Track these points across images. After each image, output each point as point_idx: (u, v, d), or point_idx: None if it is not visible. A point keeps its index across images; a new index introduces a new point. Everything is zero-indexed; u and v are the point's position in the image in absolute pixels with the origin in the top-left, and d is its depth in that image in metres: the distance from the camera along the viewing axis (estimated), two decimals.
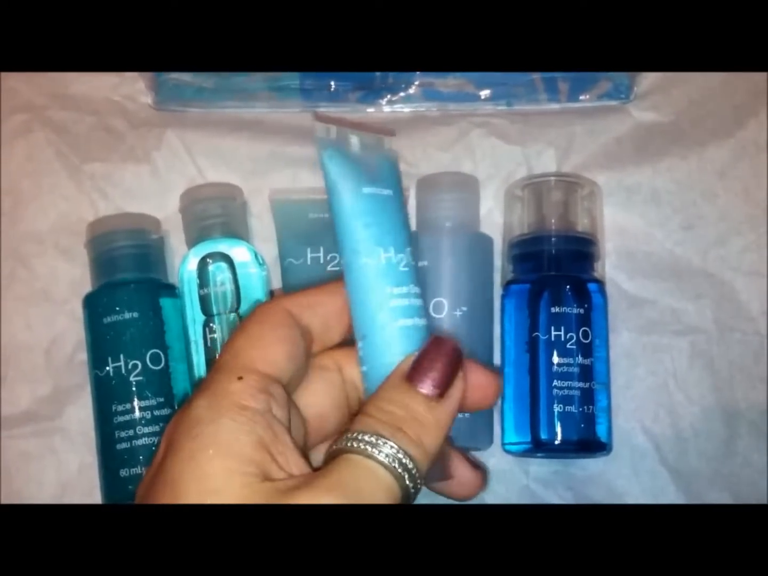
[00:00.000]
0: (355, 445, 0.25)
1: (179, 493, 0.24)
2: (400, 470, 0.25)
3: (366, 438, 0.25)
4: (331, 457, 0.26)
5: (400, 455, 0.25)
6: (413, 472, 0.26)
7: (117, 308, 0.39)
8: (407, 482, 0.25)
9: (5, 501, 0.41)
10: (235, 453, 0.25)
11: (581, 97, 0.46)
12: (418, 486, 0.26)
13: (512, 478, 0.42)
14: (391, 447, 0.25)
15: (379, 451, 0.25)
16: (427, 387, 0.27)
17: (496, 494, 0.42)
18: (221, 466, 0.24)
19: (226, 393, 0.26)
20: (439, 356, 0.28)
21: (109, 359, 0.39)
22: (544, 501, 0.41)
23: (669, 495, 0.41)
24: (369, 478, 0.25)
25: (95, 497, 0.40)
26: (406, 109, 0.46)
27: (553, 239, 0.40)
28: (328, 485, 0.25)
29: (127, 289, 0.40)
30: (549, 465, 0.42)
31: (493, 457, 0.42)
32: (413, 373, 0.27)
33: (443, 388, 0.27)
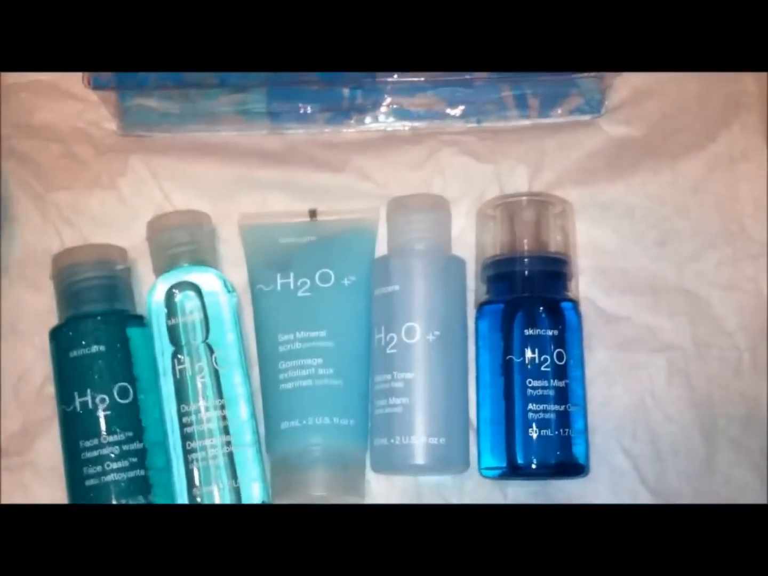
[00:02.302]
0: None
1: None
2: None
3: None
4: None
5: None
6: None
7: (83, 342, 0.39)
8: None
9: None
10: None
11: (552, 113, 0.45)
12: None
13: (491, 500, 0.41)
14: None
15: None
16: None
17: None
18: None
19: None
20: None
21: (76, 394, 0.38)
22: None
23: None
24: None
25: None
26: (375, 128, 0.45)
27: (525, 260, 0.39)
28: None
29: (93, 322, 0.39)
30: (528, 486, 0.41)
31: (470, 480, 0.41)
32: None
33: None
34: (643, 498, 0.41)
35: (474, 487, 0.41)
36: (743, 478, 0.41)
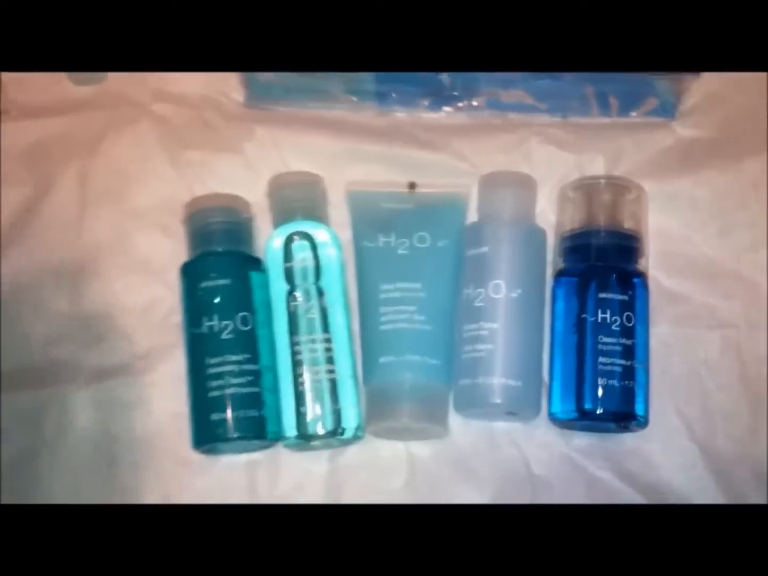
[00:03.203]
0: None
1: None
2: None
3: None
4: None
5: None
6: None
7: (212, 274, 0.44)
8: None
9: (106, 440, 0.46)
10: None
11: (630, 113, 0.51)
12: None
13: (555, 448, 0.46)
14: None
15: None
16: None
17: (540, 462, 0.46)
18: None
19: None
20: None
21: (204, 319, 0.44)
22: (583, 469, 0.45)
23: (698, 470, 0.45)
24: None
25: (183, 440, 0.45)
26: (471, 116, 0.51)
27: (602, 233, 0.45)
28: None
29: (222, 258, 0.45)
30: (589, 438, 0.46)
31: (539, 429, 0.46)
32: None
33: None
34: (693, 455, 0.45)
35: (542, 434, 0.46)
36: None
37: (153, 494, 0.45)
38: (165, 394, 0.46)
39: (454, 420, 0.46)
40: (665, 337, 0.47)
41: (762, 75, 0.49)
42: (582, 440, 0.46)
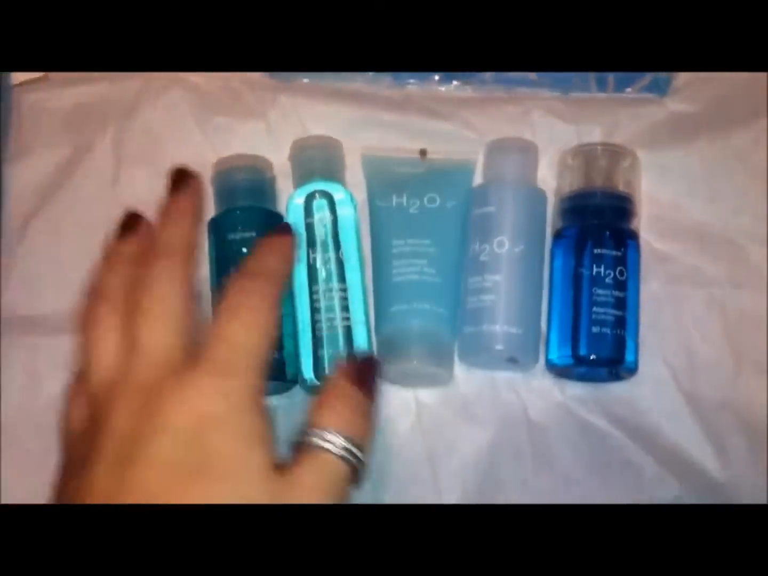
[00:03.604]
0: (315, 441, 0.33)
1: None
2: (352, 459, 0.33)
3: (322, 434, 0.33)
4: (297, 451, 0.33)
5: (351, 446, 0.33)
6: (361, 457, 0.34)
7: (239, 227, 0.48)
8: (358, 467, 0.34)
9: None
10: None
11: (625, 90, 0.54)
12: (365, 466, 0.34)
13: (551, 396, 0.49)
14: (344, 440, 0.33)
15: (334, 445, 0.33)
16: (364, 386, 0.36)
17: (537, 409, 0.49)
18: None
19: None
20: (371, 364, 0.37)
21: (231, 269, 0.47)
22: (577, 415, 0.49)
23: (683, 415, 0.49)
24: (330, 471, 0.33)
25: None
26: (478, 89, 0.55)
27: (598, 194, 0.48)
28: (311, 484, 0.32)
29: (248, 212, 0.49)
30: (583, 387, 0.50)
31: (536, 378, 0.50)
32: (355, 376, 0.36)
33: (372, 388, 0.36)
34: (679, 402, 0.49)
35: (539, 383, 0.50)
36: (763, 395, 0.49)
37: None
38: None
39: (458, 370, 0.50)
40: (655, 293, 0.50)
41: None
42: (576, 389, 0.50)
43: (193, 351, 0.34)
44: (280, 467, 0.33)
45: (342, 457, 0.33)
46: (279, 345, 0.47)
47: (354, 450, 0.33)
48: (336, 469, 0.33)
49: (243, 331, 0.34)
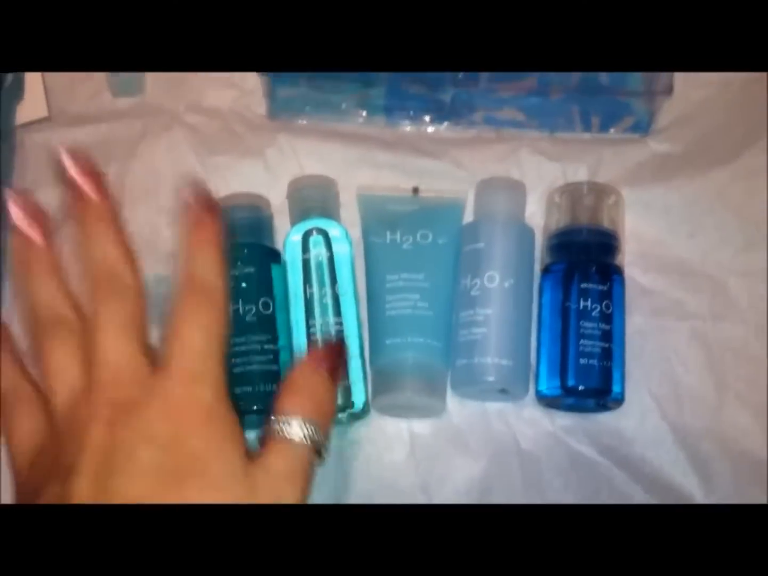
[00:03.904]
0: (281, 428, 0.36)
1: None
2: (316, 442, 0.36)
3: (288, 420, 0.36)
4: (266, 438, 0.36)
5: (314, 431, 0.36)
6: (324, 440, 0.36)
7: (238, 263, 0.50)
8: (322, 448, 0.36)
9: None
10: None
11: (609, 130, 0.57)
12: (328, 446, 0.37)
13: (541, 426, 0.51)
14: (308, 425, 0.36)
15: (299, 431, 0.35)
16: (327, 370, 0.38)
17: (527, 439, 0.51)
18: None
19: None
20: (333, 349, 0.39)
21: (231, 304, 0.49)
22: (567, 445, 0.51)
23: (668, 444, 0.50)
24: (297, 455, 0.35)
25: None
26: (469, 130, 0.57)
27: (584, 231, 0.50)
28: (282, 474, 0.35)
29: (247, 249, 0.50)
30: (572, 418, 0.51)
31: (527, 408, 0.51)
32: (318, 362, 0.38)
33: (335, 372, 0.38)
34: (664, 431, 0.51)
35: (529, 414, 0.51)
36: (746, 424, 0.51)
37: None
38: None
39: (451, 401, 0.51)
40: (640, 326, 0.52)
41: (727, 95, 0.56)
42: (565, 419, 0.51)
43: (154, 357, 0.36)
44: (252, 457, 0.35)
45: (306, 442, 0.36)
46: (277, 378, 0.49)
47: (317, 434, 0.36)
48: (302, 453, 0.36)
49: (202, 338, 0.36)
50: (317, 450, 0.36)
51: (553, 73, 0.55)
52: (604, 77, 0.56)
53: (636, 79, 0.56)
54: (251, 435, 0.49)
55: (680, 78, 0.54)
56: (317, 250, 0.51)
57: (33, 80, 0.57)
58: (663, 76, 0.53)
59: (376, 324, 0.51)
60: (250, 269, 0.50)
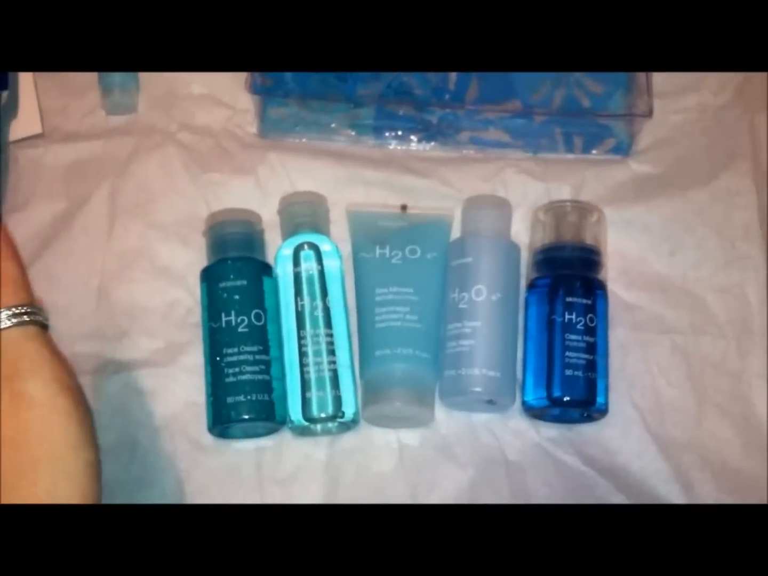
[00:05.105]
0: None
1: None
2: (26, 319, 0.40)
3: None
4: None
5: (17, 314, 0.40)
6: (31, 317, 0.40)
7: (231, 276, 0.51)
8: (38, 319, 0.41)
9: (129, 424, 0.51)
10: None
11: (591, 151, 0.59)
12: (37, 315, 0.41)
13: (527, 437, 0.52)
14: (9, 312, 0.40)
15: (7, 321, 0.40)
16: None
17: (513, 449, 0.52)
18: None
19: None
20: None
21: (223, 314, 0.50)
22: (552, 455, 0.52)
23: (651, 454, 0.51)
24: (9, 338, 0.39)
25: (198, 426, 0.51)
26: (456, 150, 0.58)
27: (568, 247, 0.52)
28: None
29: (239, 262, 0.51)
30: (557, 428, 0.52)
31: (513, 419, 0.52)
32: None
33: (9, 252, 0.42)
34: (647, 442, 0.52)
35: (515, 425, 0.52)
36: (725, 435, 0.52)
37: (170, 474, 0.51)
38: (182, 385, 0.52)
39: (439, 412, 0.52)
40: (623, 340, 0.54)
41: (704, 119, 0.58)
42: (551, 430, 0.52)
43: None
44: None
45: (15, 324, 0.40)
46: (269, 388, 0.49)
47: (22, 315, 0.40)
48: (15, 336, 0.40)
49: None
50: (35, 323, 0.41)
51: (536, 95, 0.57)
52: (585, 100, 0.58)
53: (617, 102, 0.58)
54: (246, 444, 0.50)
55: (659, 102, 0.56)
56: (308, 264, 0.52)
57: (27, 97, 0.58)
58: (643, 100, 0.56)
59: (366, 336, 0.52)
60: (243, 282, 0.51)
